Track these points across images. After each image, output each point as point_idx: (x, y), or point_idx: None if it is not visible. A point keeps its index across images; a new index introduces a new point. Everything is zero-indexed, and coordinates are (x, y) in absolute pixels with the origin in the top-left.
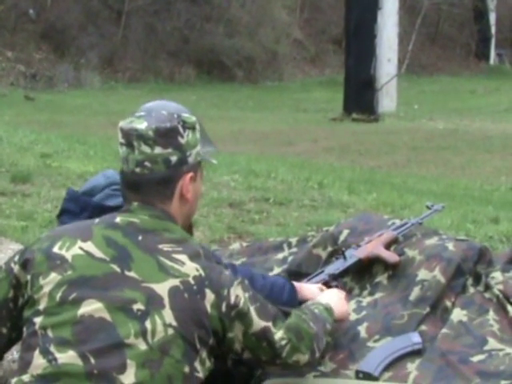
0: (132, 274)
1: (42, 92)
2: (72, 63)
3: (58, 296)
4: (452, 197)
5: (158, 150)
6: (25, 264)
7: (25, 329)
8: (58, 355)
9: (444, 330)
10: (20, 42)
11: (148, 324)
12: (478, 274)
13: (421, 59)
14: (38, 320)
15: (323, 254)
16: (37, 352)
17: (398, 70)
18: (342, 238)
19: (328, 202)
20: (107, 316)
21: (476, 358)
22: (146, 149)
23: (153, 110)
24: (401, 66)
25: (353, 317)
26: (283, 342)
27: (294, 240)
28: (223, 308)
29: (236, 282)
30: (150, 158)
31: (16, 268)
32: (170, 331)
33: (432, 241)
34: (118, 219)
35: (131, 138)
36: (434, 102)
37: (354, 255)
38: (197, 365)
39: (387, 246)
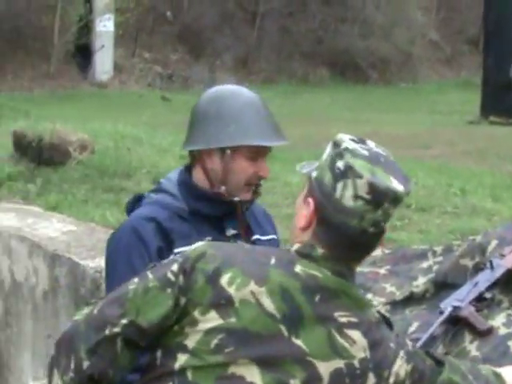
0: (299, 342)
1: (177, 93)
2: (207, 64)
3: (214, 343)
4: None
5: None
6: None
7: (159, 354)
8: None
9: None
10: (157, 43)
11: None
12: None
13: None
14: (182, 357)
15: (470, 265)
16: None
17: None
18: (490, 248)
19: (471, 209)
20: None
21: None
22: (392, 211)
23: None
24: None
25: (502, 331)
26: None
27: (438, 249)
28: None
29: (399, 355)
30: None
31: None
32: None
33: None
34: (298, 268)
35: (384, 198)
36: None
37: (500, 265)
38: None
39: None
